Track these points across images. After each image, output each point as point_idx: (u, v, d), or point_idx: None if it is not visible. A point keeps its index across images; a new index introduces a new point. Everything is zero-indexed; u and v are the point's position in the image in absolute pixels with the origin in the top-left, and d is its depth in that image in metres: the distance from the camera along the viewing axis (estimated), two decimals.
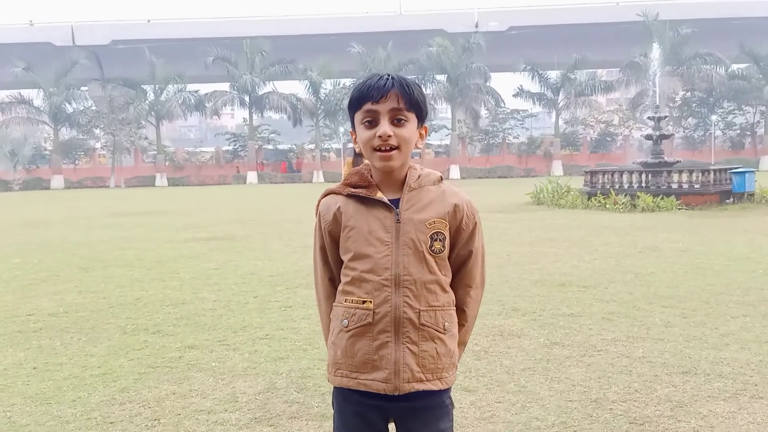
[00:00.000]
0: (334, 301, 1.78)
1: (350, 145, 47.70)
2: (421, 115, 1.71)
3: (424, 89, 1.80)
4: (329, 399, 3.63)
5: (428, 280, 1.66)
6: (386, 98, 1.64)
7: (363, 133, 1.68)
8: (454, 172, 46.73)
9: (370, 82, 1.67)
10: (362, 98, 1.67)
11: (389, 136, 1.64)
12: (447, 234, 1.69)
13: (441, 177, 1.78)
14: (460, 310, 1.77)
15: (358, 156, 7.65)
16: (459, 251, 1.75)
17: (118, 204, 24.76)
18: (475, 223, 1.76)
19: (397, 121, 1.65)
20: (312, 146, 51.25)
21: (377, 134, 1.64)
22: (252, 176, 48.14)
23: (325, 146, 53.09)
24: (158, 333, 5.16)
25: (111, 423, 3.41)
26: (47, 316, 5.83)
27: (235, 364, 4.30)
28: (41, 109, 47.85)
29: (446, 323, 1.69)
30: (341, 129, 48.15)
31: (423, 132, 1.75)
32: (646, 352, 4.32)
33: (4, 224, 16.50)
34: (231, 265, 8.57)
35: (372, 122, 1.66)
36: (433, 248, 1.67)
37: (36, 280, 7.76)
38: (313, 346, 4.64)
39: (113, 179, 47.61)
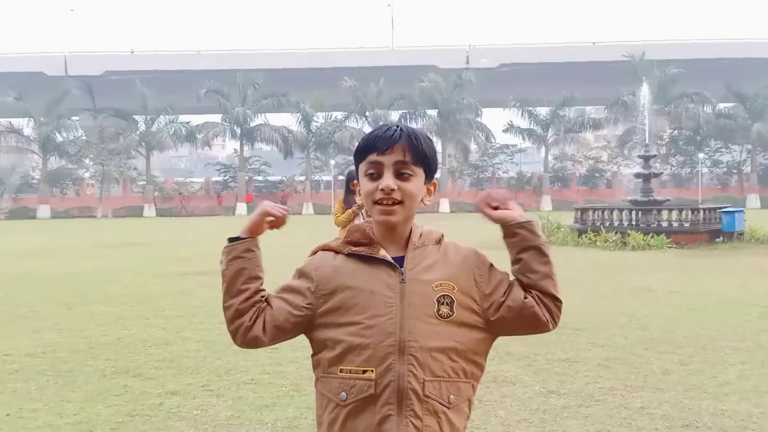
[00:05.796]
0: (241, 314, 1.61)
1: (341, 177, 47.81)
2: (430, 171, 1.62)
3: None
4: None
5: (433, 348, 1.53)
6: (392, 150, 1.55)
7: (366, 185, 1.59)
8: (444, 205, 46.79)
9: (377, 132, 1.59)
10: (367, 148, 1.58)
11: (392, 189, 1.54)
12: (454, 298, 1.56)
13: (442, 236, 1.67)
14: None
15: (350, 194, 7.55)
16: (497, 294, 1.59)
17: (105, 235, 24.45)
18: (489, 264, 1.64)
19: (401, 175, 1.56)
20: (302, 178, 51.26)
21: (380, 187, 1.55)
22: (241, 207, 47.92)
23: (316, 178, 53.13)
24: (139, 376, 4.96)
25: None
26: (24, 356, 5.62)
27: (218, 412, 4.12)
28: (31, 138, 47.67)
29: (451, 396, 1.54)
30: (332, 162, 48.26)
31: (431, 188, 1.65)
32: (645, 403, 4.19)
33: None
34: (217, 302, 8.30)
35: (375, 174, 1.57)
36: (440, 312, 1.54)
37: (16, 317, 7.53)
38: (300, 392, 4.47)
39: (101, 209, 47.22)
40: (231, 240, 1.64)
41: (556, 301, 1.61)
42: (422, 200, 1.61)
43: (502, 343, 5.89)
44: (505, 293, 1.60)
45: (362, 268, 1.57)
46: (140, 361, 5.39)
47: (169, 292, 9.27)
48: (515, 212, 1.60)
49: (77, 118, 48.11)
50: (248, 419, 3.98)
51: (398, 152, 1.55)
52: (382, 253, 1.56)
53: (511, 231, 1.60)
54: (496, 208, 1.61)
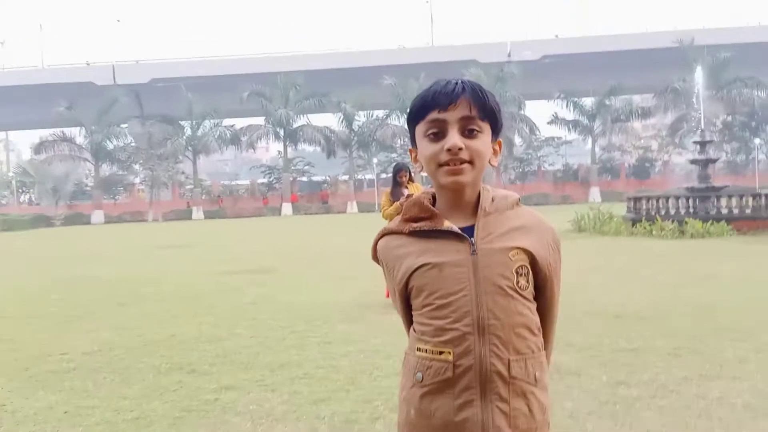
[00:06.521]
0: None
1: (383, 175, 47.73)
2: (496, 127, 1.45)
3: None
4: None
5: (516, 323, 1.38)
6: (456, 105, 1.38)
7: (427, 148, 1.42)
8: None
9: (436, 87, 1.42)
10: (427, 106, 1.41)
11: (460, 148, 1.37)
12: (531, 268, 1.43)
13: (518, 199, 1.50)
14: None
15: (397, 186, 7.42)
16: (543, 289, 1.49)
17: (156, 238, 24.97)
18: (558, 244, 1.52)
19: (468, 132, 1.40)
20: (346, 177, 51.47)
21: (445, 147, 1.38)
22: (287, 208, 48.41)
23: (359, 177, 53.28)
24: (193, 372, 4.92)
25: None
26: (81, 355, 5.66)
27: (273, 407, 4.03)
28: (83, 146, 49.25)
29: (537, 373, 1.41)
30: (375, 160, 48.30)
31: (497, 147, 1.48)
32: (723, 393, 3.91)
33: (46, 259, 16.69)
34: (268, 298, 8.36)
35: (438, 134, 1.40)
36: (519, 284, 1.39)
37: (72, 317, 7.65)
38: (356, 386, 4.35)
39: (151, 213, 48.42)
40: None
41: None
42: (489, 161, 1.45)
43: (561, 332, 5.64)
44: (546, 288, 1.51)
45: (427, 244, 1.42)
46: (194, 358, 5.36)
47: (220, 291, 9.31)
48: None
49: (126, 125, 49.46)
50: (304, 413, 3.88)
51: (463, 107, 1.38)
52: (447, 224, 1.40)
53: None
54: None
